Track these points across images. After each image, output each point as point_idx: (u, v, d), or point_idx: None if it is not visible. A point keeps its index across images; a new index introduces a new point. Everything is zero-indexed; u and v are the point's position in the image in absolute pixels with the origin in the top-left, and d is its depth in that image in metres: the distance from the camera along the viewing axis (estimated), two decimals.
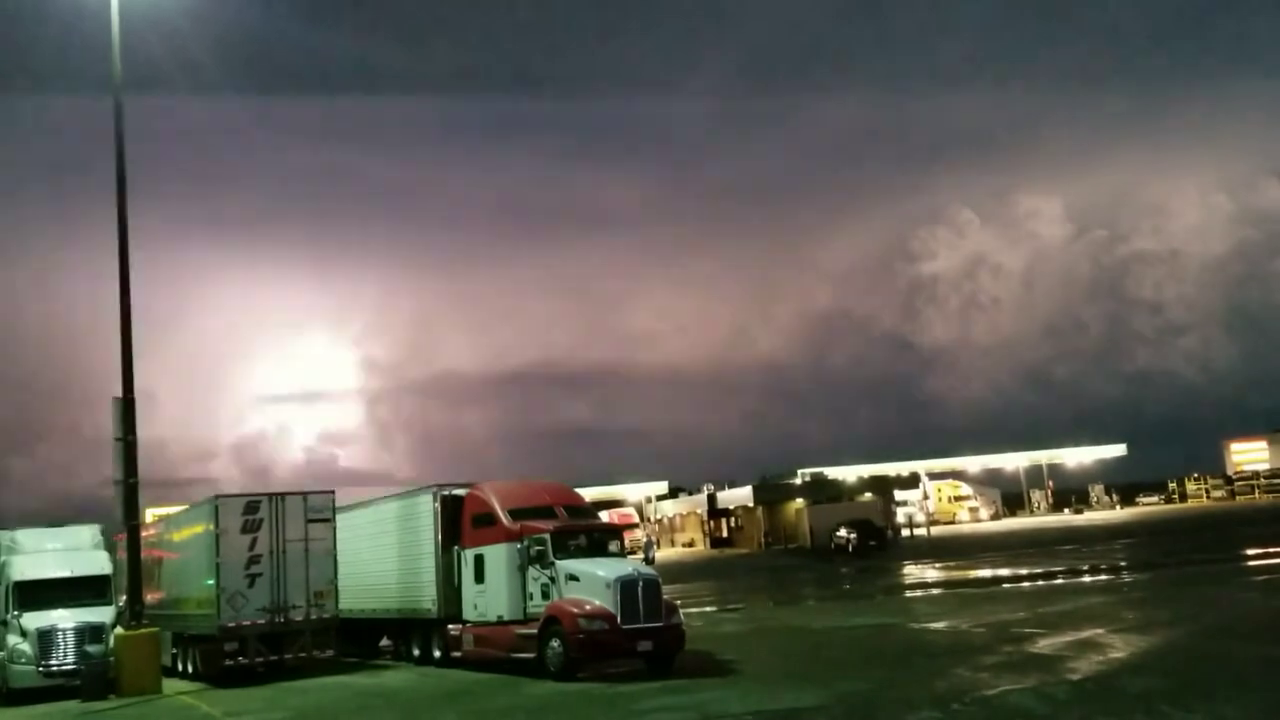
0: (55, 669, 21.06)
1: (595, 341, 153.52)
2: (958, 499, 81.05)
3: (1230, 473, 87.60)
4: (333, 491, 22.95)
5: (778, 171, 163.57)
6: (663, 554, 63.82)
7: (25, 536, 24.12)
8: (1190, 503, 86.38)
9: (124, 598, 22.37)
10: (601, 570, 18.12)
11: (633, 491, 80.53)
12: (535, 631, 18.28)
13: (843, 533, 55.72)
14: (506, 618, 19.34)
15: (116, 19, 21.70)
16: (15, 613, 21.83)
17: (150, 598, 23.77)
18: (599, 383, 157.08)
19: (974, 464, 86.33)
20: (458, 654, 20.83)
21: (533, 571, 18.88)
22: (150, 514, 33.19)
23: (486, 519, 20.41)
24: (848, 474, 73.51)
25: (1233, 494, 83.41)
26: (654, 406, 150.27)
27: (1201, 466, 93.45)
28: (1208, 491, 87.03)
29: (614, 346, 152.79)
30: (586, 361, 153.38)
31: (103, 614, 21.91)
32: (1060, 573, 33.99)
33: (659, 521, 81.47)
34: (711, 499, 73.08)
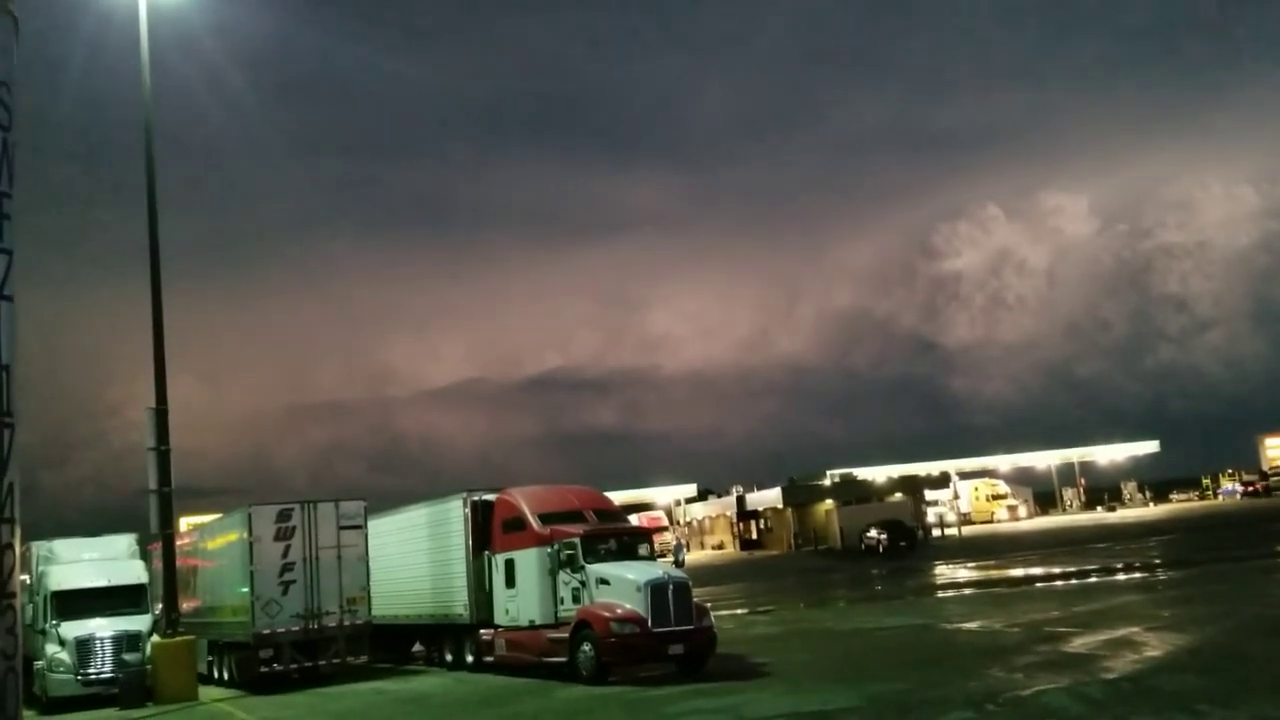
0: (93, 677, 21.31)
1: (621, 345, 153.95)
2: (995, 498, 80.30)
3: (1265, 468, 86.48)
4: (364, 499, 23.09)
5: (801, 172, 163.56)
6: (692, 556, 63.70)
7: (62, 547, 24.41)
8: (1224, 499, 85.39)
9: (160, 606, 22.61)
10: (632, 574, 18.15)
11: (662, 494, 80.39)
12: (567, 635, 18.35)
13: (873, 533, 55.47)
14: (538, 622, 19.41)
15: (145, 38, 21.93)
16: (53, 622, 22.10)
17: (186, 606, 24.00)
18: (626, 386, 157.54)
19: (1005, 463, 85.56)
20: (490, 659, 20.90)
21: (563, 576, 18.93)
22: (184, 523, 33.51)
23: (517, 524, 20.48)
24: (877, 474, 73.03)
25: (1268, 489, 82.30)
26: (681, 409, 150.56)
27: (1235, 462, 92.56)
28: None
29: (640, 350, 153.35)
30: (613, 365, 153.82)
31: (139, 623, 22.16)
32: (1094, 571, 33.68)
33: (688, 524, 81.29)
34: (740, 501, 72.84)
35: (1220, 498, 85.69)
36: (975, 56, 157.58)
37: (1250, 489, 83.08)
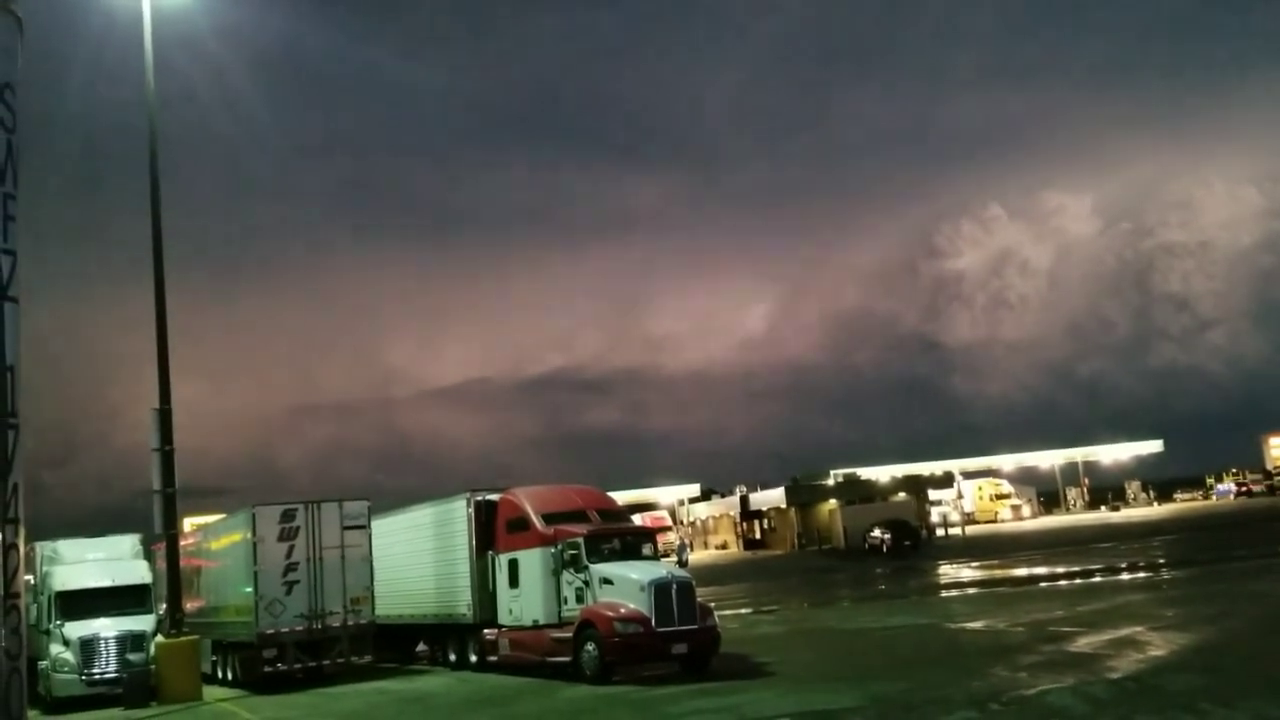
0: (98, 677, 21.32)
1: (623, 345, 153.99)
2: (999, 497, 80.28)
3: (1269, 467, 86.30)
4: (368, 499, 23.11)
5: (801, 172, 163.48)
6: (696, 556, 63.69)
7: (66, 547, 24.43)
8: (1218, 499, 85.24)
9: (164, 606, 22.64)
10: (635, 573, 18.14)
11: (665, 494, 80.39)
12: (570, 635, 18.35)
13: (877, 533, 55.44)
14: (541, 622, 19.41)
15: (149, 39, 21.94)
16: (58, 622, 22.12)
17: (190, 606, 24.02)
18: (628, 386, 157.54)
19: (1008, 462, 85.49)
20: (493, 658, 20.91)
21: (567, 575, 18.93)
22: (188, 523, 33.55)
23: (520, 524, 20.48)
24: (880, 474, 73.02)
25: (1271, 489, 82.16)
26: (683, 409, 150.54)
27: (1240, 462, 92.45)
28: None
29: (642, 350, 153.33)
30: (615, 365, 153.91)
31: (143, 623, 22.17)
32: (1098, 570, 33.64)
33: (692, 524, 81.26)
34: (744, 501, 72.80)
35: (1214, 498, 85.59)
36: (977, 56, 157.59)
37: (1243, 489, 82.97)
